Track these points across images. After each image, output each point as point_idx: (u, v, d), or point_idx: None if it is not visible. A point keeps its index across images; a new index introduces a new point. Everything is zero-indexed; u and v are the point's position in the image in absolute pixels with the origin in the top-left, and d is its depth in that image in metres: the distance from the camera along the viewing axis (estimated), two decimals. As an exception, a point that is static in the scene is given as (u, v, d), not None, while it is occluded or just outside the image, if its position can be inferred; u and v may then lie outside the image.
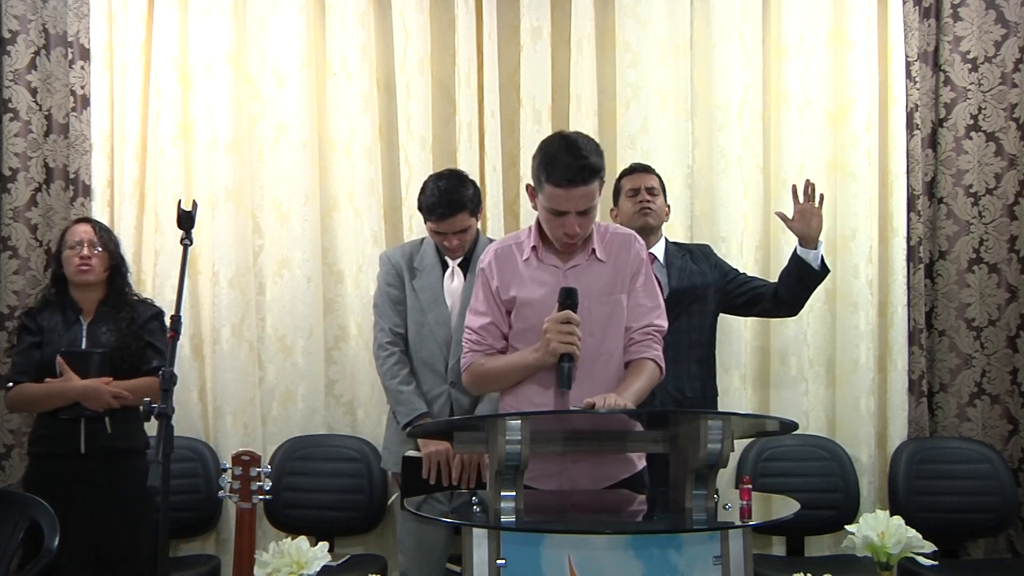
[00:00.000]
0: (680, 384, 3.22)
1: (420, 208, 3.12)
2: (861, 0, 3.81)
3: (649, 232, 3.26)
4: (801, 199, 3.20)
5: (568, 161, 2.33)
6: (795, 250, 3.25)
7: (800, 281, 3.25)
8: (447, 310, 3.11)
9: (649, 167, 3.43)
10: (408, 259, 3.19)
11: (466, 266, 3.13)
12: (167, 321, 3.18)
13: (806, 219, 3.19)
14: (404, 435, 3.08)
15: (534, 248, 2.50)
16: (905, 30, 3.82)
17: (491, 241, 3.21)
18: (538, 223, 2.52)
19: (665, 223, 3.41)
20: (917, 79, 3.83)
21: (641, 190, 3.31)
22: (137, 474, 3.00)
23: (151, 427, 3.31)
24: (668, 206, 3.42)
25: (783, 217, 3.28)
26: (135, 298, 3.26)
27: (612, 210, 3.43)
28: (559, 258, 2.49)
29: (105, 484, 3.06)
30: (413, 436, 2.97)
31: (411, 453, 3.06)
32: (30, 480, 3.19)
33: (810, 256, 3.21)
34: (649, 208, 3.28)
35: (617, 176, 3.43)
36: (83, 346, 3.10)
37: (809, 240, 3.20)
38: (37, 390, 3.07)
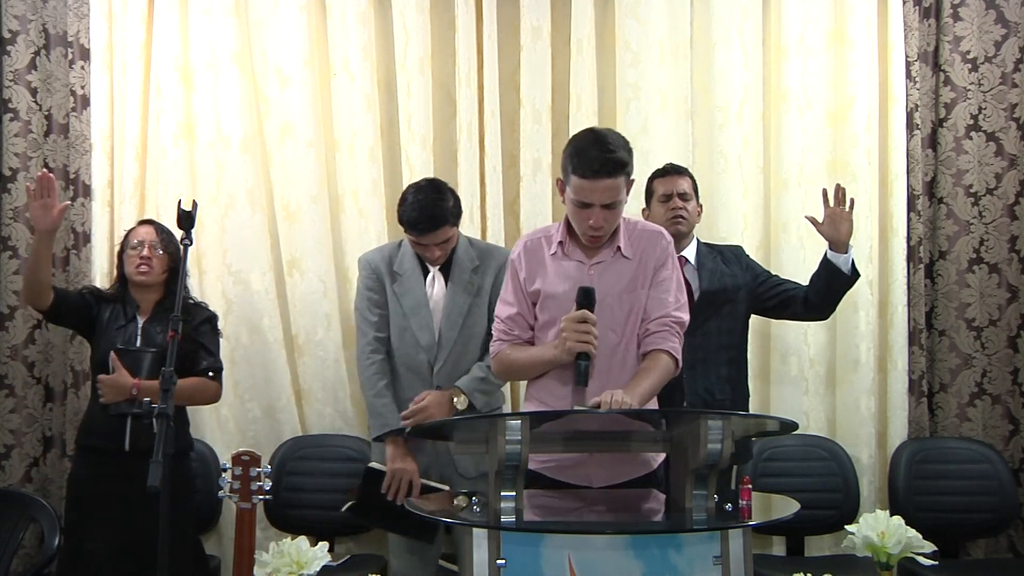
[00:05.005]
0: (710, 386, 3.19)
1: (400, 221, 3.09)
2: (861, 0, 3.81)
3: (680, 237, 3.24)
4: (832, 203, 3.19)
5: (595, 154, 2.37)
6: (825, 254, 3.22)
7: (830, 285, 3.22)
8: (429, 314, 3.11)
9: (682, 168, 3.40)
10: (388, 263, 3.17)
11: (447, 270, 3.13)
12: (220, 325, 3.24)
13: (836, 223, 3.18)
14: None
15: (560, 243, 2.53)
16: (905, 30, 3.81)
17: (470, 242, 3.22)
18: (567, 218, 2.54)
19: (697, 223, 3.38)
20: (917, 79, 3.83)
21: (673, 196, 3.28)
22: (180, 474, 3.02)
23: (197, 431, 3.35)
24: (700, 206, 3.40)
25: (813, 221, 3.25)
26: (191, 301, 3.30)
27: (644, 210, 3.42)
28: (585, 253, 2.52)
29: (146, 482, 3.06)
30: (413, 436, 2.97)
31: (375, 465, 3.09)
32: (75, 472, 3.22)
33: (840, 260, 3.18)
34: (681, 217, 3.26)
35: (649, 176, 3.40)
36: (137, 344, 3.13)
37: (839, 244, 3.18)
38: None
